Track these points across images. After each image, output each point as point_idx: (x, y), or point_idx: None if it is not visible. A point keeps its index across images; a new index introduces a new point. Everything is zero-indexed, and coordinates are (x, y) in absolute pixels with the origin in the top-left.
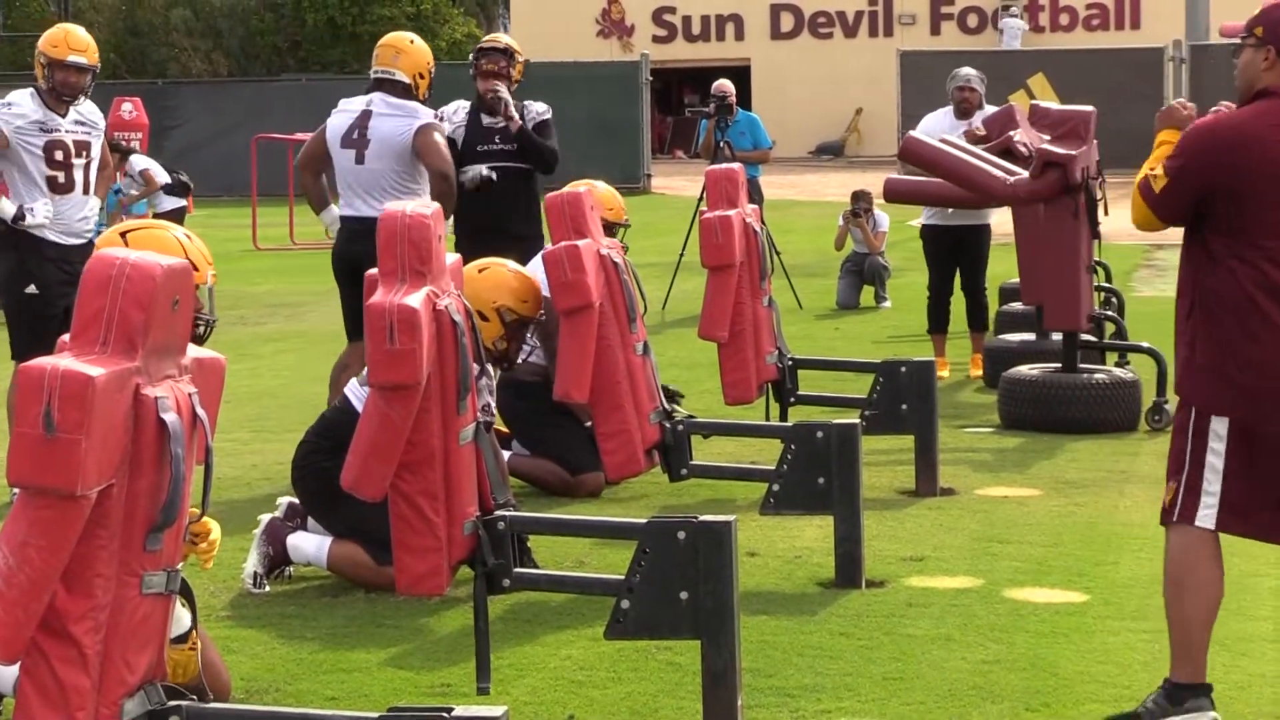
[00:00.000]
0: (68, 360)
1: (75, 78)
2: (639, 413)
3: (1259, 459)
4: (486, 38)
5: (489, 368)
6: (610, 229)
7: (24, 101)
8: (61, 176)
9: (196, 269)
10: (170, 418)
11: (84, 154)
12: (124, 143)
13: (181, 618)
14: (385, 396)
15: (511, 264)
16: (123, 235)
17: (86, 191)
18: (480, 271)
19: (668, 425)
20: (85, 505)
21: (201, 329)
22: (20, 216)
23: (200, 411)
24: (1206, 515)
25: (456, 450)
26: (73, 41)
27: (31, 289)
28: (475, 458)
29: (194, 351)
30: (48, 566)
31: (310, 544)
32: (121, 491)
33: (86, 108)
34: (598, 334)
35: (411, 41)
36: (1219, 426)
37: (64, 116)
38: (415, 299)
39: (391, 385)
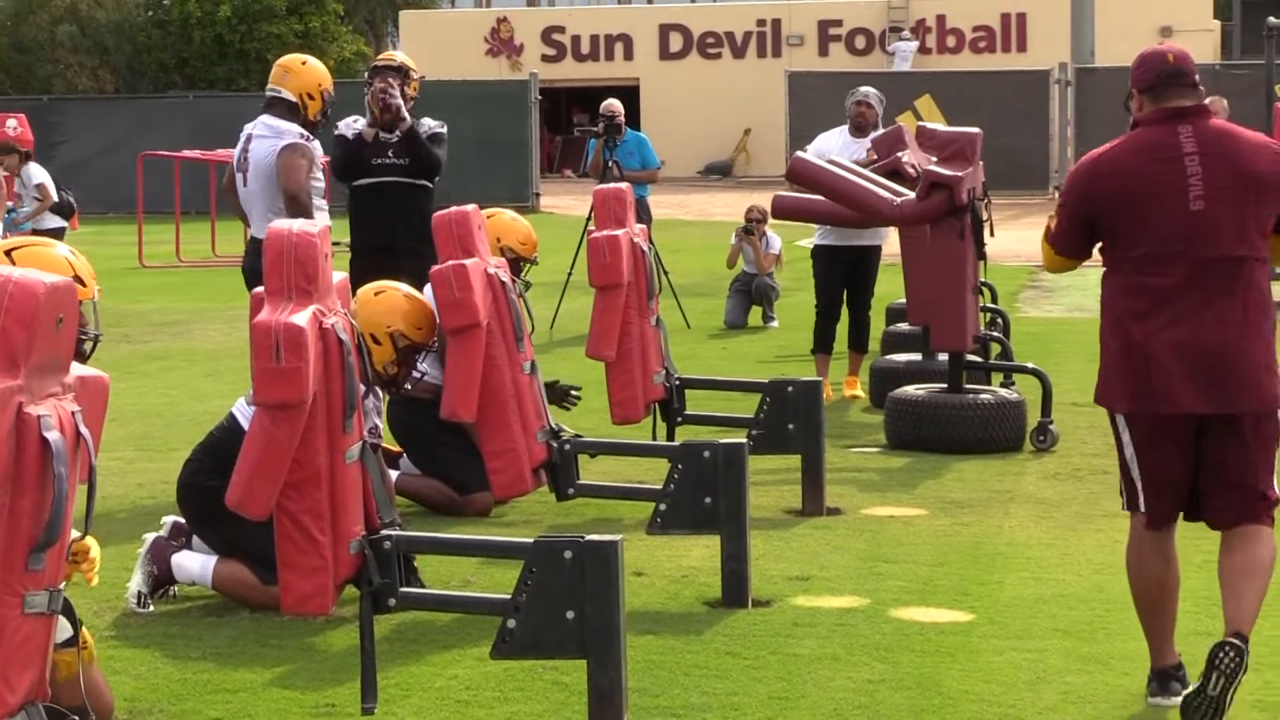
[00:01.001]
0: None
1: None
2: (526, 432)
3: (1158, 445)
4: (381, 56)
5: (377, 389)
6: (517, 264)
7: None
8: None
9: (83, 284)
10: (53, 436)
11: None
12: (19, 146)
13: (64, 625)
14: (271, 415)
15: (406, 288)
16: (7, 253)
17: None
18: (376, 294)
19: (555, 444)
20: None
21: (87, 346)
22: None
23: (84, 430)
24: (1139, 502)
25: (342, 469)
26: None
27: None
28: (362, 477)
29: (78, 370)
30: None
31: (195, 563)
32: (3, 510)
33: None
34: (485, 353)
35: (304, 63)
36: (1121, 421)
37: None
38: (301, 317)
39: (277, 404)
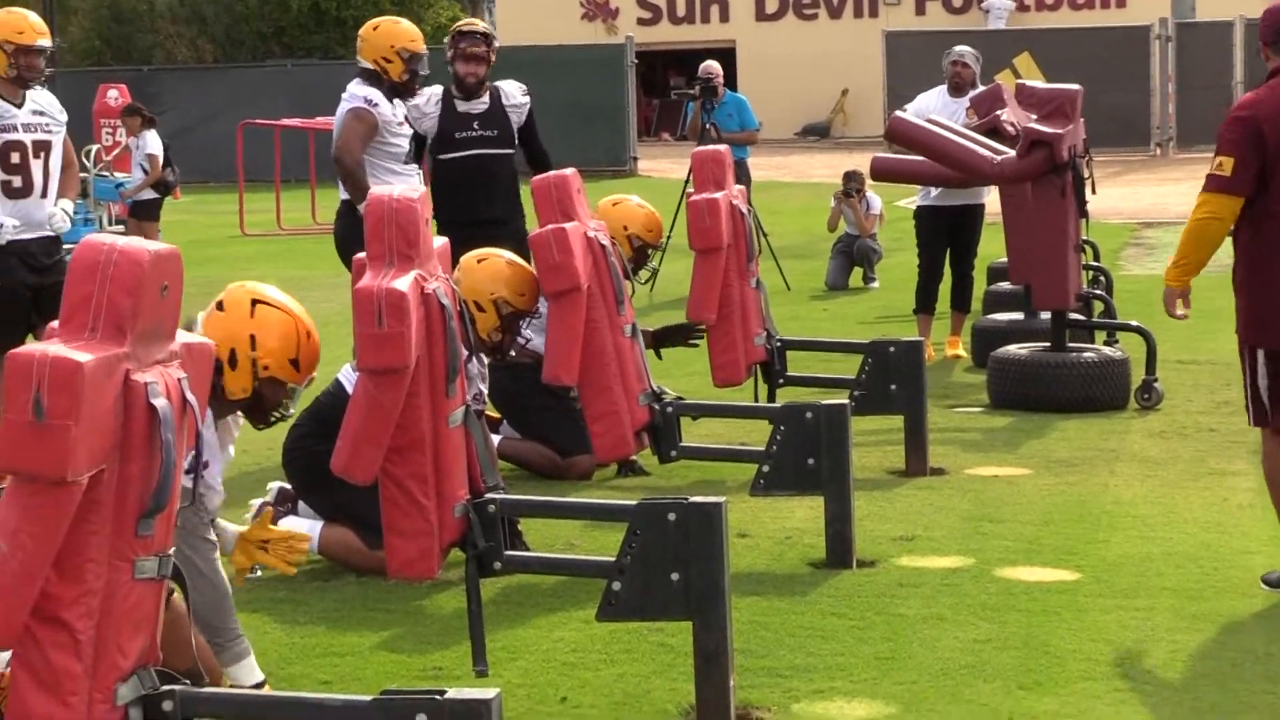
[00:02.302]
0: (56, 347)
1: (40, 62)
2: (628, 395)
3: None
4: (464, 21)
5: (480, 355)
6: (644, 251)
7: None
8: (17, 181)
9: (299, 370)
10: (160, 403)
11: (42, 154)
12: (143, 112)
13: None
14: (374, 380)
15: (509, 255)
16: (252, 302)
17: (45, 195)
18: (479, 262)
19: (657, 407)
20: (76, 491)
21: (273, 420)
22: None
23: (190, 396)
24: (1267, 418)
25: (446, 433)
26: (36, 25)
27: None
28: (465, 441)
29: (183, 336)
30: (40, 553)
31: (302, 528)
32: (112, 477)
33: (45, 99)
34: (586, 316)
35: (375, 28)
36: (1262, 356)
37: (20, 107)
38: (403, 282)
39: (380, 369)
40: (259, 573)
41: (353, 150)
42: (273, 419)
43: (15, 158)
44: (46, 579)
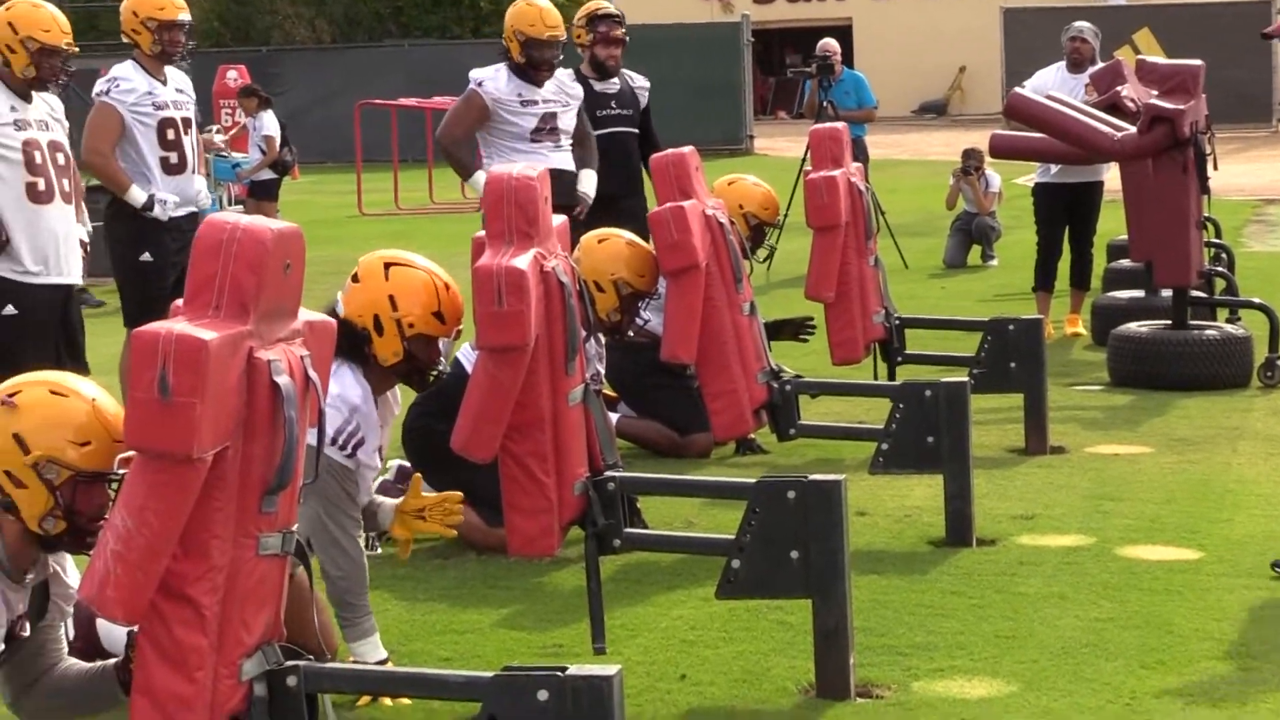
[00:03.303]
0: (181, 325)
1: (181, 36)
2: (746, 373)
3: None
4: (596, 5)
5: (599, 335)
6: (761, 230)
7: (130, 75)
8: (174, 157)
9: (444, 321)
10: (283, 381)
11: (189, 130)
12: (259, 93)
13: None
14: (494, 358)
15: (629, 235)
16: (385, 266)
17: (194, 170)
18: (599, 242)
19: (775, 385)
20: (201, 468)
21: (431, 378)
22: (149, 206)
23: (313, 374)
24: None
25: (565, 411)
26: (177, 0)
27: (146, 256)
28: (585, 419)
29: (305, 315)
30: (166, 529)
31: None
32: (236, 455)
33: (179, 78)
34: (704, 295)
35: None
36: None
37: (165, 84)
38: (523, 260)
39: (500, 347)
40: (378, 550)
41: (452, 132)
42: (431, 378)
43: (171, 134)
44: (172, 556)
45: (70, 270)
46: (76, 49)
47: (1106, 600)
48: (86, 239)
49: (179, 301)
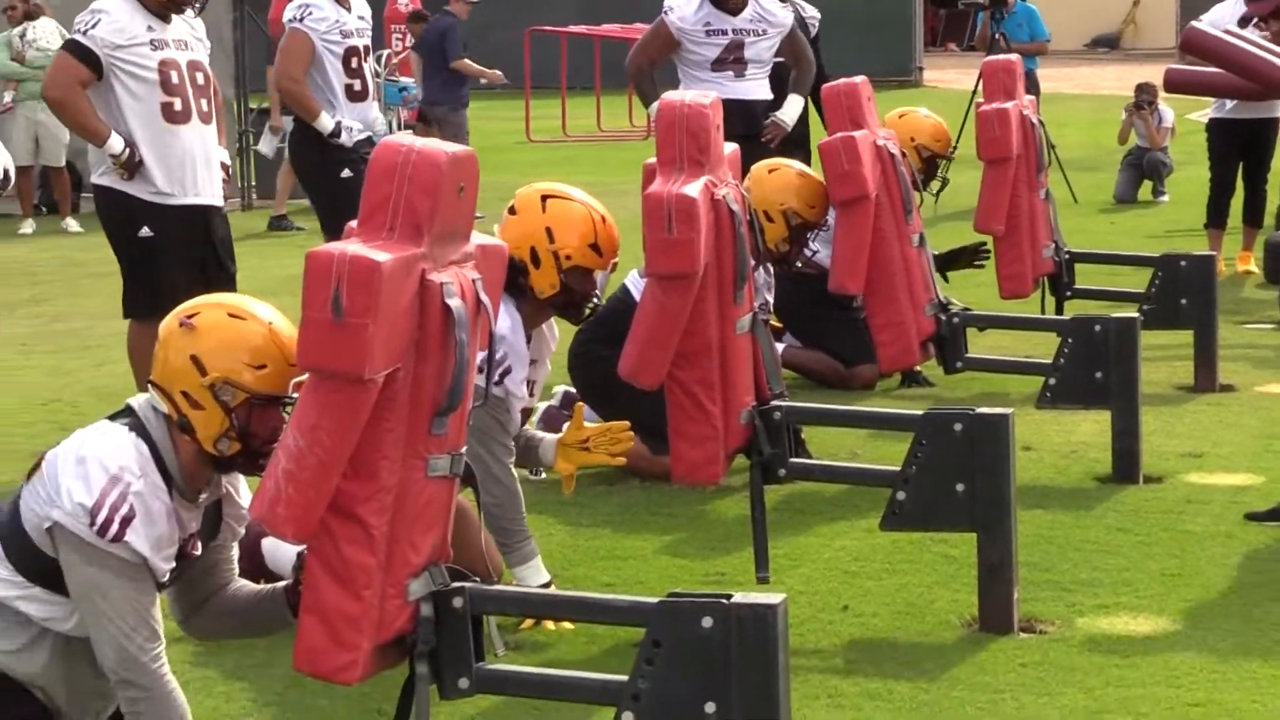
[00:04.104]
0: (355, 246)
1: None
2: (914, 304)
3: None
4: None
5: (768, 265)
6: (934, 161)
7: (320, 2)
8: (358, 84)
9: (601, 254)
10: (455, 303)
11: (368, 56)
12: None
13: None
14: (663, 285)
15: (800, 165)
16: (542, 198)
17: (373, 97)
18: (770, 172)
19: (943, 317)
20: (373, 389)
21: (587, 311)
22: (336, 133)
23: (484, 298)
24: None
25: (733, 340)
26: None
27: (347, 173)
28: (752, 348)
29: (477, 238)
30: (337, 449)
31: None
32: (408, 376)
33: (360, 4)
34: (874, 225)
35: None
36: None
37: (350, 10)
38: (693, 188)
39: (670, 274)
40: (542, 474)
41: (637, 60)
42: (586, 311)
43: (355, 62)
44: (342, 475)
45: (208, 191)
46: None
47: (1276, 539)
48: (228, 161)
49: (353, 223)
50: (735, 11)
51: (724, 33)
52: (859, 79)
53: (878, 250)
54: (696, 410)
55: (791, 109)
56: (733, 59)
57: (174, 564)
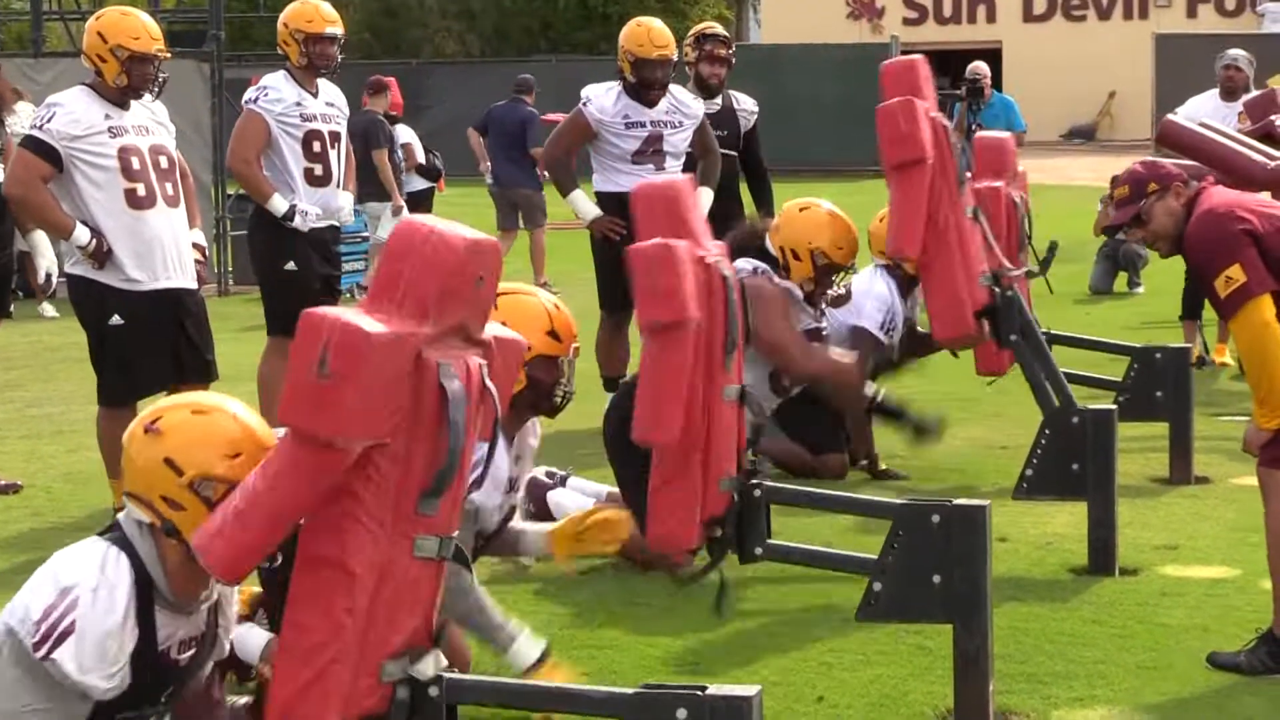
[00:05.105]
0: (353, 314)
1: (331, 49)
2: (969, 276)
3: None
4: (705, 24)
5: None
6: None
7: (279, 85)
8: (319, 169)
9: (560, 340)
10: (453, 385)
11: (336, 144)
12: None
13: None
14: (658, 340)
15: (829, 205)
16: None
17: (338, 184)
18: (800, 210)
19: (998, 290)
20: (344, 457)
21: (559, 399)
22: (290, 216)
23: (490, 385)
24: None
25: (719, 405)
26: (325, 14)
27: (290, 265)
28: (737, 420)
29: (494, 329)
30: (291, 504)
31: (572, 504)
32: (398, 454)
33: (332, 92)
34: (929, 193)
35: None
36: None
37: (315, 96)
38: (675, 243)
39: (660, 324)
40: (530, 565)
41: (551, 148)
42: (558, 399)
43: (317, 146)
44: (325, 540)
45: (179, 275)
46: (168, 54)
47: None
48: (203, 242)
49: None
50: (652, 104)
51: (643, 125)
52: (917, 56)
53: (933, 218)
54: (677, 471)
55: (701, 202)
56: (652, 150)
57: (126, 679)
